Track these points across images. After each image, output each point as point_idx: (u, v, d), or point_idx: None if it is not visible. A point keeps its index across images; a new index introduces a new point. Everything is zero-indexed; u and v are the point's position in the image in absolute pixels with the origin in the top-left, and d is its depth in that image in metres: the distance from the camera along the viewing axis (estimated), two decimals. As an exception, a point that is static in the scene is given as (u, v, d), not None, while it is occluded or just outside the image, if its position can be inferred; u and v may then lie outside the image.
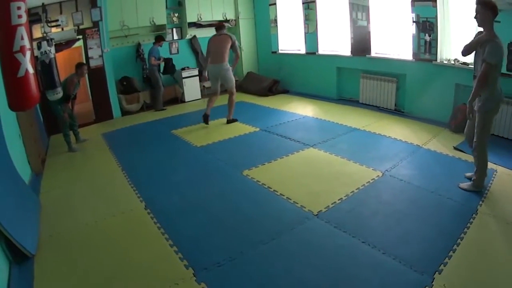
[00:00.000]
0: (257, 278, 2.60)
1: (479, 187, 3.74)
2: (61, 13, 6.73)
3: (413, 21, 5.93)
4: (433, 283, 2.41)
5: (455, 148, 4.73)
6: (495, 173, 4.01)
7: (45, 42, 4.40)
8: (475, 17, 3.38)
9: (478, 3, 3.37)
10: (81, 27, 7.04)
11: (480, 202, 3.41)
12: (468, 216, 3.19)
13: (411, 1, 5.86)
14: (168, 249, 2.97)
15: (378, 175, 4.10)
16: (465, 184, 3.85)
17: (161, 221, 3.40)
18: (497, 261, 2.63)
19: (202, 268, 2.70)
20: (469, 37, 4.93)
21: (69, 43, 7.13)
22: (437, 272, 2.50)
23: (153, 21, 8.16)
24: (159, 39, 7.92)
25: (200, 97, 8.96)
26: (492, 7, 3.28)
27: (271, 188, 3.92)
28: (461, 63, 5.29)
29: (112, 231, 3.35)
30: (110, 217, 3.59)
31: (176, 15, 8.80)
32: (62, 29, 6.77)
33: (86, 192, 4.29)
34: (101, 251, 3.05)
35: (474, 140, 3.58)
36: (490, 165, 4.06)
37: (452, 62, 5.46)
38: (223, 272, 2.66)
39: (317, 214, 3.35)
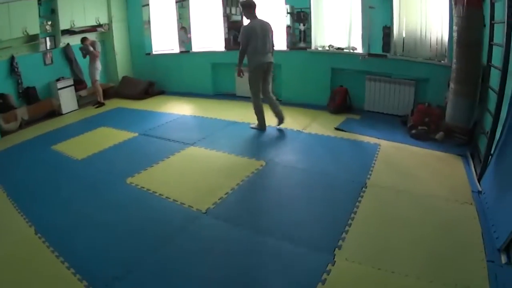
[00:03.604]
0: (159, 285, 2.49)
1: (262, 127, 5.10)
2: None
3: (288, 12, 6.06)
4: (334, 259, 2.46)
5: (336, 129, 4.93)
6: (379, 147, 4.23)
7: None
8: (242, 13, 4.86)
9: (239, 5, 4.88)
10: None
11: (368, 176, 3.56)
12: (358, 190, 3.33)
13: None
14: (66, 272, 2.71)
15: (262, 164, 4.07)
16: (254, 124, 5.21)
17: (54, 244, 3.07)
18: (393, 226, 2.79)
19: (103, 285, 2.53)
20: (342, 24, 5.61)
21: None
22: (337, 248, 2.56)
23: (26, 31, 7.32)
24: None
25: (77, 107, 8.26)
26: (247, 5, 4.68)
27: (156, 193, 3.73)
28: (336, 49, 5.52)
29: (3, 264, 2.93)
30: (-2, 250, 3.09)
31: (49, 23, 8.02)
32: None
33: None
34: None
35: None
36: (374, 140, 4.51)
37: (327, 48, 5.66)
38: (124, 285, 2.51)
39: (206, 212, 3.26)
